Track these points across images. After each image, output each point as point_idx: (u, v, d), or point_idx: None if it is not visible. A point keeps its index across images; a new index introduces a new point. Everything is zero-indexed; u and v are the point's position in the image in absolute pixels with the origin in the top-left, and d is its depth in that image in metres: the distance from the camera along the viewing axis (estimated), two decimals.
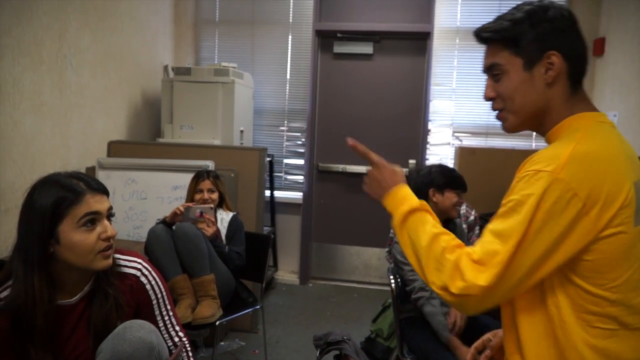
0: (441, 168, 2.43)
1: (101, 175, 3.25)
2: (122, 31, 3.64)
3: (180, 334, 1.61)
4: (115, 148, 3.50)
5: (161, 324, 1.57)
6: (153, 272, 1.54)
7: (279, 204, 4.41)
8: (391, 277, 2.44)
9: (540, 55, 1.06)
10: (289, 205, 4.44)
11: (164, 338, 1.52)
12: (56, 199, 1.31)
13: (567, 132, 1.05)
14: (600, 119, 1.07)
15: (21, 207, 1.35)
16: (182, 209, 2.60)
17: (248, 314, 3.14)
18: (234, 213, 2.87)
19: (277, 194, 4.42)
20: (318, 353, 1.48)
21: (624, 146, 1.04)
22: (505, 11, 1.12)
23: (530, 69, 1.07)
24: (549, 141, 1.11)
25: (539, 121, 1.11)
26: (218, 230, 2.74)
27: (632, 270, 0.99)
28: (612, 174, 0.97)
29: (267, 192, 4.25)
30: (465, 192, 2.37)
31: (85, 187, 1.36)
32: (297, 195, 4.45)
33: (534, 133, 3.99)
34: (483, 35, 1.13)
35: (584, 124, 1.05)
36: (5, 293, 1.34)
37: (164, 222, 2.64)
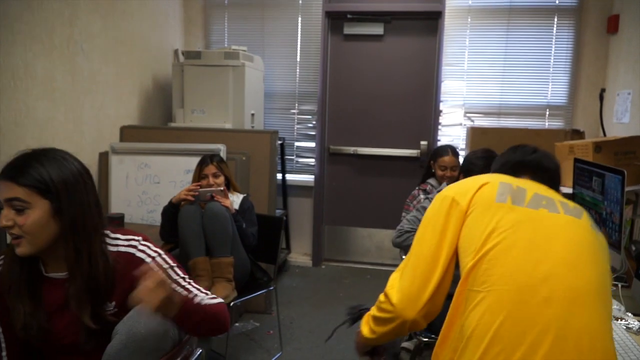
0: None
1: (114, 160, 3.29)
2: (132, 16, 3.64)
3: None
4: (127, 133, 3.53)
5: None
6: (152, 247, 1.48)
7: (290, 186, 4.43)
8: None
9: None
10: (301, 188, 4.45)
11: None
12: None
13: None
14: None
15: None
16: (191, 192, 2.63)
17: (262, 296, 3.18)
18: (245, 195, 2.89)
19: (289, 177, 4.43)
20: (350, 321, 1.54)
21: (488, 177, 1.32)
22: None
23: None
24: None
25: None
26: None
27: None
28: (465, 185, 1.31)
29: (279, 175, 4.27)
30: None
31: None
32: (309, 178, 4.46)
33: (547, 113, 3.96)
34: None
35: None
36: None
37: (170, 204, 2.68)
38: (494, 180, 1.27)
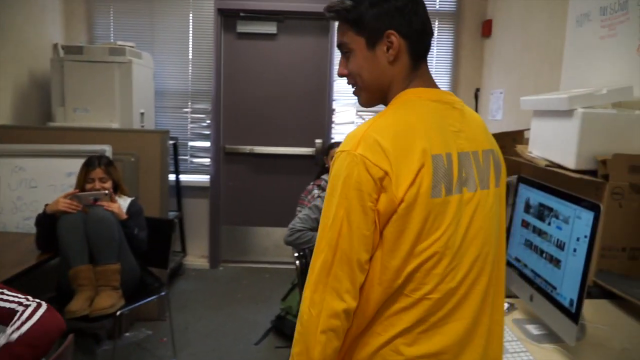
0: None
1: None
2: (3, 7, 3.34)
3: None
4: (0, 134, 3.24)
5: None
6: None
7: (185, 187, 4.31)
8: (295, 253, 2.48)
9: (380, 34, 1.07)
10: (197, 189, 4.35)
11: None
12: None
13: (388, 107, 1.09)
14: (425, 95, 1.09)
15: None
16: (73, 205, 2.47)
17: (154, 303, 3.07)
18: (132, 198, 2.77)
19: (183, 177, 4.31)
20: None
21: (441, 120, 1.06)
22: None
23: (373, 48, 1.09)
24: None
25: (385, 97, 1.14)
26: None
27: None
28: (405, 143, 0.98)
29: (173, 176, 4.14)
30: None
31: None
32: (205, 178, 4.37)
33: None
34: (327, 15, 1.15)
35: (402, 99, 1.09)
36: None
37: (44, 213, 2.49)
38: (428, 156, 1.00)
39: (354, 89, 1.16)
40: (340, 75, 1.16)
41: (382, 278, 0.99)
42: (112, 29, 4.29)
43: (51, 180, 3.06)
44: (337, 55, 4.19)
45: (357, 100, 1.18)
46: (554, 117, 1.95)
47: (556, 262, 1.47)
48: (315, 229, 2.43)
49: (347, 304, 0.98)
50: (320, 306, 0.98)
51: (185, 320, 3.35)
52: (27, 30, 3.66)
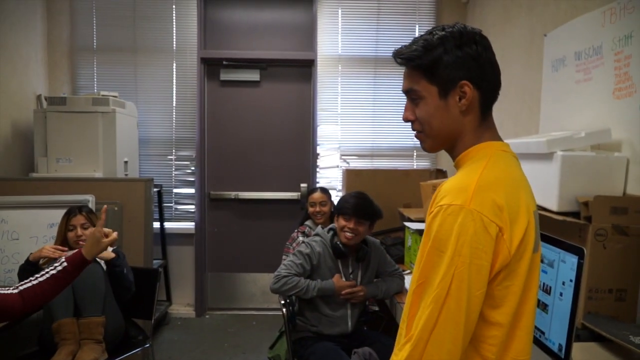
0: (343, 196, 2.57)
1: None
2: None
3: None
4: None
5: None
6: None
7: (170, 235, 4.27)
8: (282, 301, 2.46)
9: (453, 84, 1.05)
10: (181, 236, 4.31)
11: None
12: None
13: (473, 159, 1.07)
14: (503, 148, 1.10)
15: None
16: (52, 246, 2.45)
17: (138, 355, 2.98)
18: (115, 247, 2.73)
19: (168, 225, 4.28)
20: None
21: (522, 175, 1.08)
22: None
23: (445, 97, 1.07)
24: (457, 166, 1.13)
25: (452, 145, 1.12)
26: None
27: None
28: (514, 199, 1.00)
29: (157, 224, 4.10)
30: (355, 216, 2.41)
31: None
32: (190, 225, 4.34)
33: (414, 154, 4.24)
34: (398, 60, 1.13)
35: (489, 152, 1.07)
36: None
37: (28, 262, 2.46)
38: (530, 212, 1.03)
39: (417, 134, 1.15)
40: (407, 120, 1.14)
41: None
42: (95, 79, 4.32)
43: (33, 231, 3.02)
44: (319, 100, 4.28)
45: (421, 144, 1.16)
46: (534, 160, 2.00)
47: (543, 306, 1.48)
48: (300, 275, 2.42)
49: None
50: None
51: None
52: (10, 82, 3.67)
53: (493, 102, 1.11)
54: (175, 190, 4.39)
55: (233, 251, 4.44)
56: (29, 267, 2.45)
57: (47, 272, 1.79)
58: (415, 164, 4.37)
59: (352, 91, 4.36)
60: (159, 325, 3.99)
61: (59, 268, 1.79)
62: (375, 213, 2.46)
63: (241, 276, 4.47)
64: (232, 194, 4.39)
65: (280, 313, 2.47)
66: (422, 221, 3.01)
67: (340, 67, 4.34)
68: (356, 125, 4.37)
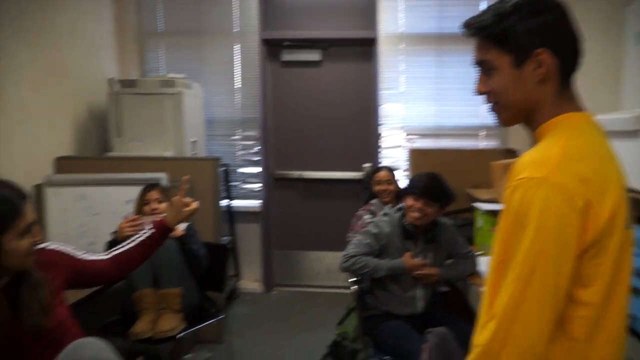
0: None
1: (50, 193, 3.13)
2: (62, 45, 3.52)
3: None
4: (63, 164, 3.37)
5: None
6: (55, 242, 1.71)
7: (237, 213, 4.36)
8: (351, 278, 2.47)
9: (529, 52, 1.00)
10: (248, 214, 4.39)
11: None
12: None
13: (555, 131, 1.01)
14: (588, 119, 1.04)
15: None
16: (128, 224, 2.55)
17: (213, 326, 3.08)
18: (188, 223, 2.82)
19: (235, 203, 4.37)
20: None
21: (610, 148, 1.02)
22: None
23: (520, 66, 1.02)
24: (536, 139, 1.06)
25: (530, 117, 1.07)
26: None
27: None
28: (602, 171, 0.95)
29: (225, 202, 4.21)
30: (423, 197, 2.36)
31: (18, 197, 1.42)
32: (256, 203, 4.42)
33: (482, 133, 4.12)
34: (468, 31, 1.08)
35: (572, 123, 1.02)
36: None
37: (115, 241, 2.57)
38: (621, 185, 0.99)
39: (492, 107, 1.10)
40: (480, 93, 1.10)
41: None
42: (163, 62, 4.45)
43: (111, 207, 3.15)
44: (381, 79, 4.24)
45: (495, 118, 1.11)
46: (618, 138, 1.88)
47: (635, 291, 1.40)
48: (368, 254, 2.41)
49: (534, 346, 0.90)
50: (504, 342, 0.90)
51: (242, 344, 3.36)
52: (85, 67, 3.84)
53: (574, 71, 1.04)
54: (241, 170, 4.48)
55: (298, 229, 4.50)
56: (115, 244, 2.57)
57: (135, 240, 1.88)
58: (482, 143, 4.25)
59: (415, 69, 4.27)
60: (229, 299, 4.11)
61: (147, 234, 1.88)
62: (446, 196, 2.39)
63: (306, 254, 4.53)
64: (296, 174, 4.43)
65: (346, 291, 2.48)
66: (493, 202, 2.94)
67: (402, 45, 4.27)
68: (420, 104, 4.28)
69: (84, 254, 1.78)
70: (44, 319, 1.43)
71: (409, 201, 2.38)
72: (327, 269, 4.49)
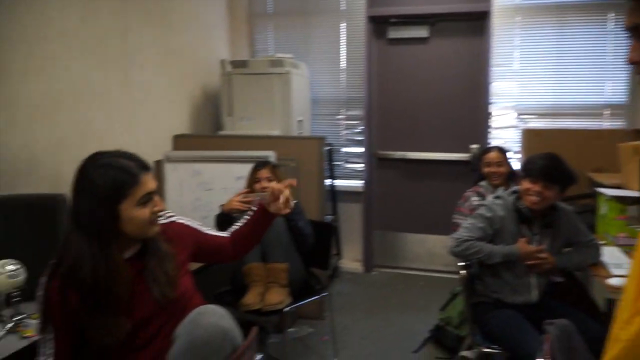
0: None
1: (168, 168, 3.35)
2: (180, 28, 3.72)
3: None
4: (180, 141, 3.59)
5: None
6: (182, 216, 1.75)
7: (339, 192, 4.40)
8: (460, 263, 2.38)
9: None
10: (350, 194, 4.42)
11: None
12: (116, 181, 1.41)
13: None
14: None
15: (75, 187, 1.44)
16: (240, 200, 2.65)
17: (315, 302, 3.16)
18: (295, 201, 2.88)
19: (338, 182, 4.41)
20: None
21: None
22: None
23: None
24: None
25: None
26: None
27: None
28: None
29: (328, 181, 4.25)
30: (542, 179, 2.20)
31: (138, 168, 1.46)
32: (358, 183, 4.43)
33: (606, 112, 3.77)
34: None
35: None
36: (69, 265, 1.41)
37: (222, 213, 2.70)
38: None
39: None
40: (632, 62, 0.97)
41: None
42: (271, 43, 4.55)
43: (223, 183, 3.31)
44: (493, 55, 4.01)
45: None
46: None
47: None
48: (482, 239, 2.30)
49: None
50: None
51: (343, 322, 3.41)
52: (200, 48, 4.03)
53: None
54: (344, 149, 4.50)
55: (400, 211, 4.45)
56: (223, 217, 2.71)
57: (248, 218, 1.93)
58: (606, 123, 3.90)
59: (532, 44, 3.99)
60: (331, 277, 4.18)
61: (256, 215, 1.91)
62: (568, 177, 2.20)
63: (407, 236, 4.47)
64: (400, 154, 4.37)
65: (447, 276, 2.41)
66: (618, 187, 2.69)
67: (518, 18, 4.00)
68: (535, 82, 4.01)
69: (209, 229, 1.84)
70: (169, 290, 1.50)
71: (526, 184, 2.23)
72: (428, 252, 4.41)
